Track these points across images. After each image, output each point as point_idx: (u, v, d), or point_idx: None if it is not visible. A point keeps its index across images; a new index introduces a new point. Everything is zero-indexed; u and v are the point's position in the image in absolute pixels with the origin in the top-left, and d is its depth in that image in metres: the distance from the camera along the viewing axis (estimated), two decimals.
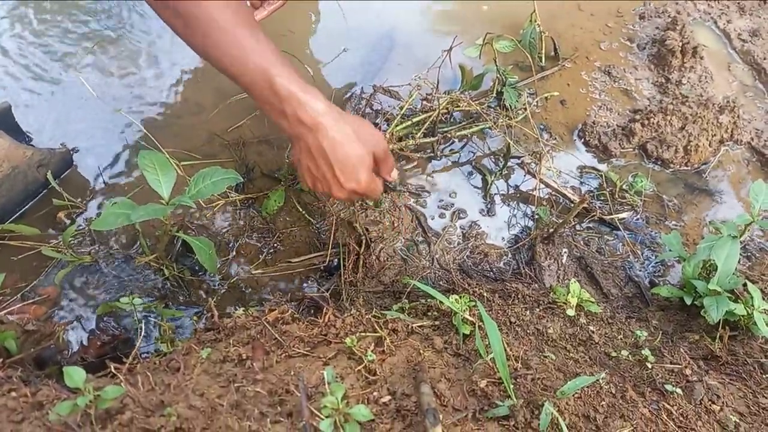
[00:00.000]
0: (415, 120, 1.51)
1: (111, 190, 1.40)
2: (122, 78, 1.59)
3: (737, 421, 0.92)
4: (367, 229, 1.38)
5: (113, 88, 1.56)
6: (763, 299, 1.13)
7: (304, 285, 1.33)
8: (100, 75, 1.58)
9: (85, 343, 1.20)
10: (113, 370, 0.78)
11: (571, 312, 1.13)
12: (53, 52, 1.60)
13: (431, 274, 1.35)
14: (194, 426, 0.70)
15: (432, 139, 1.52)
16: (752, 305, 1.10)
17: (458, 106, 1.56)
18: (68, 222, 1.32)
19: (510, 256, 1.41)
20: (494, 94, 1.61)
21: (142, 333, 1.14)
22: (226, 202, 1.40)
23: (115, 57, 1.62)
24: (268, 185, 1.44)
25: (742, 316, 1.11)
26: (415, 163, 1.53)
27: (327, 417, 0.68)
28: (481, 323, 0.95)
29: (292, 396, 0.77)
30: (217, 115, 1.54)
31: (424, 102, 1.61)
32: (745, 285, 1.16)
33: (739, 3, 1.93)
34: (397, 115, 1.50)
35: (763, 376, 1.03)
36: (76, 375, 0.69)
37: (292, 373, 0.81)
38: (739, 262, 1.35)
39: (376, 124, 1.52)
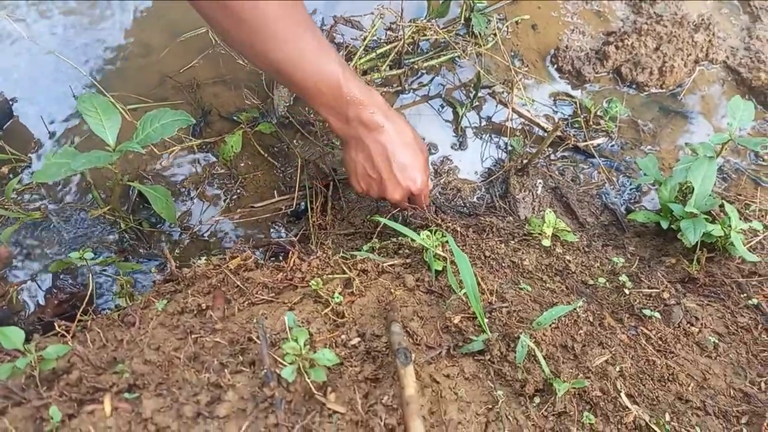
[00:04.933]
0: (379, 51, 1.42)
1: (57, 140, 1.30)
2: (59, 18, 1.46)
3: (716, 341, 0.91)
4: (334, 170, 1.32)
5: (50, 30, 1.44)
6: (740, 219, 1.11)
7: (271, 231, 1.28)
8: (35, 16, 1.45)
9: (42, 302, 1.14)
10: (58, 329, 0.73)
11: (546, 242, 1.09)
12: None
13: (403, 213, 1.30)
14: (149, 382, 0.66)
15: (399, 71, 1.44)
16: (729, 225, 1.07)
17: (425, 35, 1.47)
18: (12, 177, 1.24)
19: (484, 190, 1.36)
20: (462, 21, 1.53)
21: (99, 288, 1.09)
22: (182, 148, 1.31)
23: None
24: (227, 128, 1.36)
25: (719, 237, 1.09)
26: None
27: (290, 363, 0.64)
28: (453, 258, 0.91)
29: (254, 344, 0.72)
30: (168, 56, 1.44)
31: (389, 32, 1.51)
32: (722, 206, 1.14)
33: None
34: (359, 47, 1.42)
35: (741, 296, 1.01)
36: (13, 336, 0.63)
37: (255, 320, 0.77)
38: (715, 183, 1.33)
39: None
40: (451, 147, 1.42)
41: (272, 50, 0.88)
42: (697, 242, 1.05)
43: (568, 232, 1.14)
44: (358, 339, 0.77)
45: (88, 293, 0.96)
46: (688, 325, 0.93)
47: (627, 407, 0.74)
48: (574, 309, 0.89)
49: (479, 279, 0.92)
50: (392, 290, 0.89)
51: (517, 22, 1.57)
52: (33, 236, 1.21)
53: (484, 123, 1.45)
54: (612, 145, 1.43)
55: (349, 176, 1.09)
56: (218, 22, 0.86)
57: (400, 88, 1.46)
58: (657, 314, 0.93)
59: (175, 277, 0.93)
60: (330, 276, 0.89)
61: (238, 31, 0.86)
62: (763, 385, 0.84)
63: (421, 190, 1.07)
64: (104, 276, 1.17)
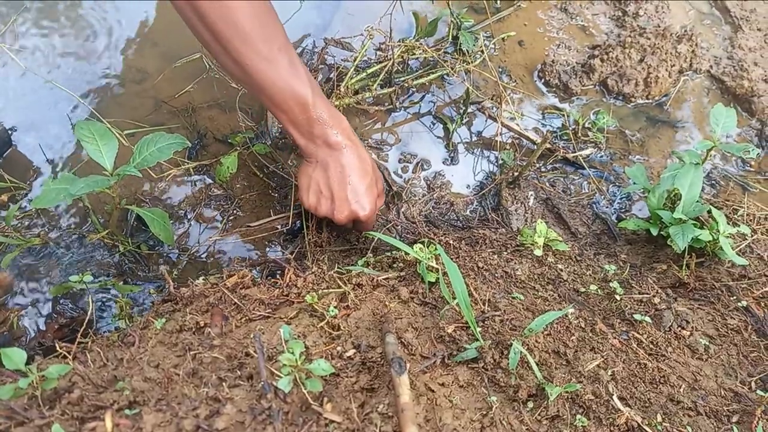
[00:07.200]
0: (370, 71, 1.45)
1: (55, 167, 1.33)
2: (55, 47, 1.50)
3: (707, 344, 0.92)
4: None
5: (47, 60, 1.47)
6: (728, 224, 1.13)
7: (268, 249, 1.29)
8: (31, 46, 1.49)
9: (42, 327, 1.15)
10: (59, 349, 0.74)
11: (538, 252, 1.11)
12: None
13: (398, 228, 1.32)
14: (149, 398, 0.67)
15: (389, 90, 1.47)
16: (718, 230, 1.09)
17: (414, 54, 1.50)
18: (11, 204, 1.26)
19: (476, 203, 1.39)
20: (450, 40, 1.56)
21: (101, 311, 1.10)
22: (179, 171, 1.34)
23: (44, 25, 1.52)
24: (222, 150, 1.39)
25: (708, 242, 1.11)
26: (375, 117, 1.48)
27: (286, 375, 0.66)
28: (445, 269, 0.93)
29: (252, 359, 0.74)
30: (163, 81, 1.47)
31: (379, 52, 1.55)
32: (709, 211, 1.16)
33: None
34: (350, 67, 1.45)
35: (731, 299, 1.03)
36: (15, 356, 0.65)
37: (252, 336, 0.78)
38: (703, 190, 1.36)
39: (329, 79, 1.46)
40: (443, 162, 1.44)
41: (248, 73, 0.94)
42: (686, 248, 1.07)
43: (560, 241, 1.16)
44: (354, 350, 0.78)
45: (88, 316, 0.98)
46: (679, 328, 0.94)
47: (619, 409, 0.75)
48: (566, 315, 0.90)
49: (472, 289, 0.93)
50: (387, 303, 0.91)
51: (503, 39, 1.61)
52: (33, 262, 1.22)
53: (474, 138, 1.48)
54: (601, 156, 1.46)
55: (301, 190, 1.12)
56: (194, 28, 0.92)
57: (391, 106, 1.49)
58: (648, 319, 0.95)
59: (174, 297, 0.94)
60: (325, 291, 0.91)
61: (213, 41, 0.93)
62: (753, 384, 0.85)
63: (368, 218, 1.10)
64: (104, 299, 1.18)
